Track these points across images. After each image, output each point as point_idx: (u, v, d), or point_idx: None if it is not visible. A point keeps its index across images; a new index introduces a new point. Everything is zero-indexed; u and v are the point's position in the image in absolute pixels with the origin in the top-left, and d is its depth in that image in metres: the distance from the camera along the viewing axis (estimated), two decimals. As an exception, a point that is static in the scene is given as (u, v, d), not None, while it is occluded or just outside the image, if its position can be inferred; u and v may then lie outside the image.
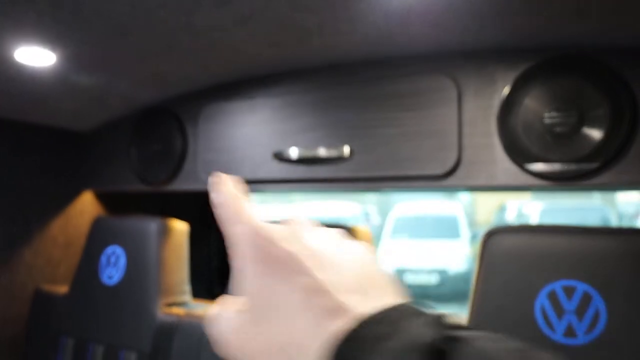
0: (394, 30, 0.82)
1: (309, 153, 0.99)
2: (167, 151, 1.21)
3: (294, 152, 1.01)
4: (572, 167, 0.79)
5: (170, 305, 1.13)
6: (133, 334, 1.09)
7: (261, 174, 1.06)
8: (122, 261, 1.16)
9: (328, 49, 0.92)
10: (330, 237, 0.29)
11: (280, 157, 1.03)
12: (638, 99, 0.77)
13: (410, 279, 6.38)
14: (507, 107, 0.84)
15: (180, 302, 1.17)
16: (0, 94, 1.08)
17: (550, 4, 0.70)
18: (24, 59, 0.90)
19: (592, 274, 0.72)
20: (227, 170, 1.10)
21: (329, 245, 0.28)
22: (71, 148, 1.37)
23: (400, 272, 6.45)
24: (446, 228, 7.26)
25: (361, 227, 1.00)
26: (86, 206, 1.41)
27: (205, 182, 1.15)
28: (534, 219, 7.43)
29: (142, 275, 1.12)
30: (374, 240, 1.13)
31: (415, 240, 7.05)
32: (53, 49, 0.88)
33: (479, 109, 0.87)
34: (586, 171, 0.79)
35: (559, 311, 0.73)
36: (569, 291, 0.73)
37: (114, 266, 1.16)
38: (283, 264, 0.26)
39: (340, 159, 0.97)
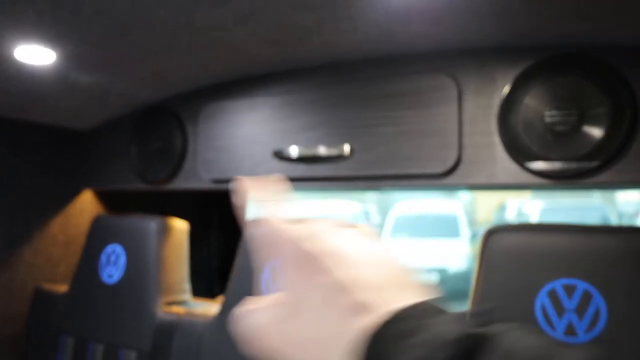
0: (394, 28, 0.82)
1: (309, 152, 0.99)
2: (167, 150, 1.21)
3: (294, 151, 1.01)
4: (573, 165, 0.79)
5: (170, 304, 1.13)
6: (133, 332, 1.09)
7: (261, 173, 1.06)
8: (122, 260, 1.16)
9: (328, 48, 0.92)
10: (352, 237, 0.30)
11: (281, 155, 1.03)
12: (638, 97, 0.77)
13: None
14: (508, 106, 0.84)
15: (180, 301, 1.17)
16: (0, 93, 1.08)
17: (551, 3, 0.69)
18: (24, 58, 0.90)
19: (593, 273, 0.72)
20: (227, 169, 1.10)
21: (351, 245, 0.29)
22: (71, 147, 1.37)
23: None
24: (446, 227, 7.26)
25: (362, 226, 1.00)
26: (86, 205, 1.41)
27: (206, 181, 1.15)
28: (534, 218, 7.43)
29: (142, 274, 1.12)
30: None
31: (415, 239, 7.05)
32: (53, 48, 0.88)
33: (479, 108, 0.87)
34: (586, 170, 0.79)
35: (559, 310, 0.73)
36: (569, 290, 0.73)
37: (114, 265, 1.17)
38: (306, 264, 0.27)
39: (340, 158, 0.97)
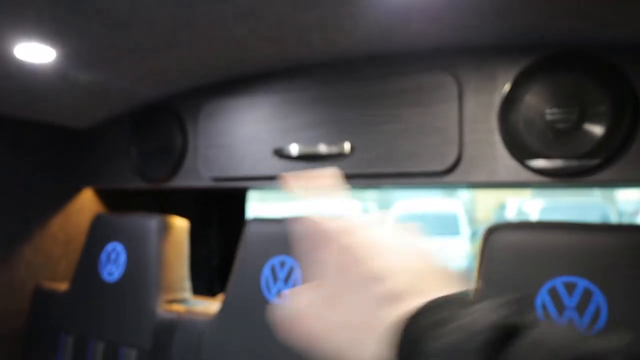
0: (395, 26, 0.82)
1: (309, 150, 0.99)
2: (167, 148, 1.21)
3: (294, 149, 1.01)
4: (574, 163, 0.79)
5: (171, 302, 1.13)
6: (133, 330, 1.09)
7: (261, 171, 1.06)
8: (122, 258, 1.16)
9: (329, 46, 0.92)
10: (390, 231, 0.32)
11: (281, 153, 1.02)
12: (639, 95, 0.77)
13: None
14: (508, 104, 0.84)
15: (181, 299, 1.17)
16: (0, 91, 1.08)
17: (551, 1, 0.69)
18: (24, 56, 0.90)
19: (593, 270, 0.72)
20: (228, 167, 1.10)
21: (388, 238, 0.31)
22: (71, 145, 1.37)
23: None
24: (446, 225, 7.26)
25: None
26: (86, 203, 1.41)
27: (206, 179, 1.15)
28: (533, 217, 7.43)
29: (143, 272, 1.12)
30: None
31: (415, 238, 7.04)
32: (53, 45, 0.87)
33: (479, 106, 0.87)
34: (587, 168, 0.79)
35: (560, 307, 0.73)
36: (570, 287, 0.73)
37: (114, 263, 1.17)
38: (345, 256, 0.29)
39: (340, 156, 0.97)
